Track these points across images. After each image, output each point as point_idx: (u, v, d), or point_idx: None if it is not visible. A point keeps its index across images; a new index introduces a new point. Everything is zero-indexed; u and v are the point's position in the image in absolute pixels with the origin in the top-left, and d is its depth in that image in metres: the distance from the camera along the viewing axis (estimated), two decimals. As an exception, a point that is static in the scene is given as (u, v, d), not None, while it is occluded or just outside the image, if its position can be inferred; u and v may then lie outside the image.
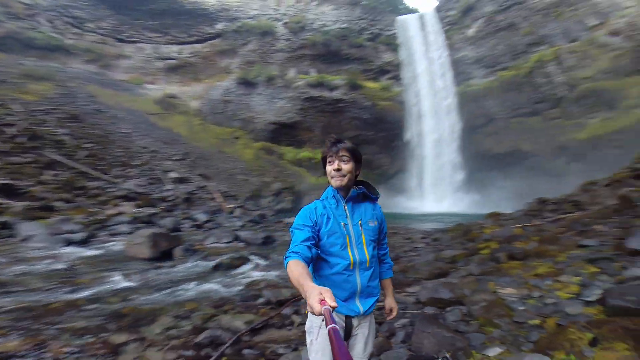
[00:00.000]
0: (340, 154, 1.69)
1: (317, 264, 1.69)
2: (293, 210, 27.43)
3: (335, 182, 1.70)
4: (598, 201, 10.23)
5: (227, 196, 21.08)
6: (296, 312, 4.42)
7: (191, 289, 5.86)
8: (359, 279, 1.66)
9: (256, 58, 35.22)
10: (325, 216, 1.68)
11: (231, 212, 17.76)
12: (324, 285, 1.61)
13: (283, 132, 33.46)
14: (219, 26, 36.17)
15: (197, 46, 36.36)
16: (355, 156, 1.73)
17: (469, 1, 32.13)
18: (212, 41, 36.47)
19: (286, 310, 4.44)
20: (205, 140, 29.06)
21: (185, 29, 36.09)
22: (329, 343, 1.55)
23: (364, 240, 1.68)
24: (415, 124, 31.21)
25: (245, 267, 7.59)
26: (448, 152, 29.57)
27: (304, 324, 4.25)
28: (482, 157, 28.66)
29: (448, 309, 3.95)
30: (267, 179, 28.24)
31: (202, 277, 6.74)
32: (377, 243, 1.80)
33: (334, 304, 1.02)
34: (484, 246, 7.60)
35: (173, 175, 19.86)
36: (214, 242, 10.42)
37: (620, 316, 2.94)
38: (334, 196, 1.75)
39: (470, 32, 31.78)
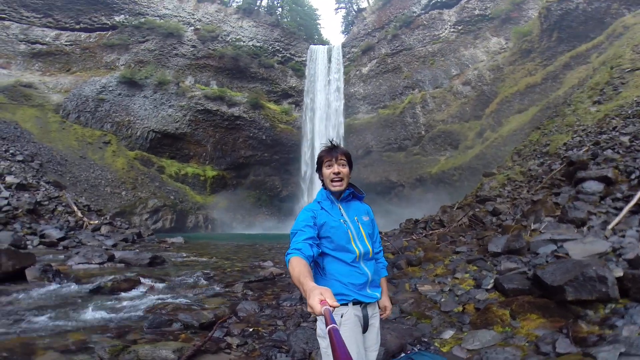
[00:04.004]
0: (339, 158, 1.78)
1: (325, 262, 1.73)
2: (174, 231, 24.57)
3: (336, 186, 1.78)
4: (455, 219, 12.72)
5: (88, 210, 17.33)
6: (228, 334, 3.94)
7: (68, 317, 4.49)
8: (367, 269, 1.75)
9: (150, 59, 31.66)
10: (327, 216, 1.75)
11: (97, 229, 14.64)
12: (336, 281, 1.67)
13: (166, 143, 30.17)
14: (118, 18, 31.98)
15: (82, 35, 31.26)
16: (350, 161, 1.85)
17: (371, 42, 36.59)
18: (103, 32, 31.64)
19: (216, 334, 3.91)
20: (62, 142, 23.58)
21: (75, 13, 30.52)
22: (348, 341, 1.56)
23: (363, 234, 1.79)
24: (309, 150, 32.91)
25: (136, 291, 6.30)
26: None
27: (243, 344, 3.83)
28: (360, 185, 32.17)
29: (383, 309, 4.20)
30: (143, 195, 24.62)
31: (77, 302, 5.27)
32: (374, 237, 1.93)
33: (335, 303, 1.04)
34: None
35: (10, 179, 15.20)
36: (82, 263, 8.35)
37: (516, 295, 3.72)
38: (328, 197, 1.84)
39: (365, 70, 36.07)
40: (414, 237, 11.52)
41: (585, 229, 5.95)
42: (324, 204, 1.82)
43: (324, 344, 1.65)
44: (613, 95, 10.93)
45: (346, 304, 1.66)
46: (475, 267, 5.85)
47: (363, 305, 1.72)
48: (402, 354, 2.63)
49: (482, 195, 13.03)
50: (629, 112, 9.28)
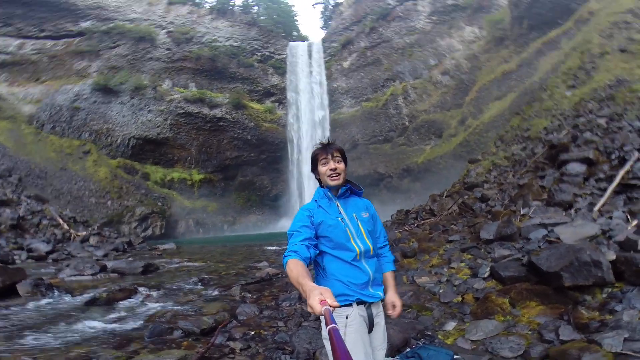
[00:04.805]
0: (334, 154, 1.78)
1: (325, 262, 1.72)
2: (165, 237, 24.17)
3: (333, 181, 1.77)
4: (445, 208, 12.92)
5: (74, 222, 16.87)
6: (230, 339, 3.92)
7: (67, 331, 4.40)
8: (368, 267, 1.72)
9: (124, 64, 30.63)
10: (324, 214, 1.74)
11: (85, 240, 14.29)
12: (338, 281, 1.66)
13: (148, 149, 29.50)
14: (85, 24, 30.69)
15: (48, 43, 29.94)
16: (345, 157, 1.85)
17: (350, 36, 36.45)
18: (70, 39, 30.34)
19: (218, 339, 3.88)
20: (40, 154, 22.75)
21: (38, 21, 29.14)
22: (355, 343, 1.57)
23: (362, 231, 1.76)
24: (295, 148, 32.75)
25: (133, 300, 6.20)
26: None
27: (246, 348, 3.81)
28: (349, 178, 32.30)
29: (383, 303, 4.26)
30: (129, 203, 24.09)
31: (75, 315, 5.16)
32: (373, 233, 1.91)
33: (335, 303, 1.04)
34: (378, 250, 8.50)
35: (-12, 197, 14.66)
36: (74, 275, 8.17)
37: (514, 283, 3.81)
38: (325, 195, 1.82)
39: (346, 64, 35.98)
40: (407, 228, 11.64)
41: (572, 211, 6.13)
42: (322, 202, 1.80)
43: (329, 345, 1.65)
44: (586, 80, 11.28)
45: (350, 305, 1.65)
46: (469, 256, 5.95)
47: (367, 304, 1.71)
48: (407, 349, 2.67)
49: (469, 182, 13.24)
50: (603, 95, 9.60)
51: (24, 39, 29.62)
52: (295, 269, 1.35)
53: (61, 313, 5.24)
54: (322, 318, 1.56)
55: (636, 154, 6.58)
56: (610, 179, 6.53)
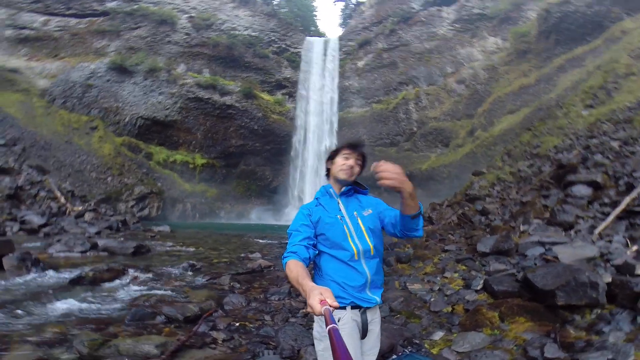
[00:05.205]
0: (358, 157, 1.79)
1: (322, 261, 1.68)
2: (160, 219, 24.18)
3: (344, 174, 1.75)
4: (444, 217, 12.80)
5: (72, 196, 16.88)
6: (214, 328, 3.84)
7: (46, 309, 4.33)
8: (366, 269, 1.65)
9: (142, 45, 30.76)
10: (322, 212, 1.71)
11: (80, 216, 14.28)
12: (333, 282, 1.60)
13: (154, 130, 29.51)
14: (111, 4, 30.89)
15: (73, 20, 30.18)
16: (365, 164, 1.85)
17: (368, 36, 36.15)
18: (94, 18, 30.58)
19: (201, 328, 3.81)
20: (48, 127, 22.79)
21: None
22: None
23: (363, 230, 1.70)
24: (301, 142, 32.70)
25: (119, 281, 6.14)
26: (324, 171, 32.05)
27: (229, 340, 3.75)
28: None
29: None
30: (129, 181, 24.10)
31: (57, 293, 5.09)
32: (378, 231, 1.83)
33: (335, 303, 1.02)
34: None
35: (-11, 163, 14.67)
36: (63, 251, 8.12)
37: (506, 298, 3.72)
38: (327, 192, 1.82)
39: (360, 64, 35.69)
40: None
41: (572, 232, 6.01)
42: (322, 199, 1.79)
43: (320, 346, 1.59)
44: (606, 100, 11.01)
45: (343, 308, 1.58)
46: (464, 267, 5.86)
47: (362, 309, 1.64)
48: (394, 355, 2.58)
49: (471, 194, 13.11)
50: (621, 117, 9.38)
51: (50, 16, 29.95)
52: (295, 269, 1.35)
53: (44, 290, 5.17)
54: (316, 319, 1.63)
55: (645, 180, 6.43)
56: (615, 204, 6.39)
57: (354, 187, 1.84)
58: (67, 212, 14.47)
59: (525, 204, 8.83)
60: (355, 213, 1.74)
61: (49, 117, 24.05)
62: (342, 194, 1.80)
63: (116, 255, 8.54)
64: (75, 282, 5.76)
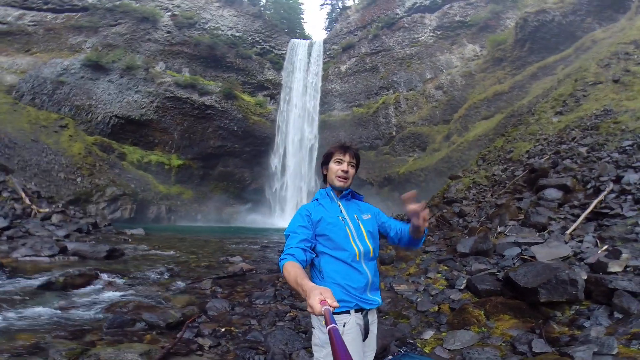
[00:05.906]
0: (350, 159, 1.80)
1: (323, 263, 1.68)
2: (133, 221, 23.25)
3: (340, 182, 1.77)
4: (423, 219, 13.08)
5: (38, 197, 15.92)
6: (199, 335, 3.72)
7: (14, 317, 4.04)
8: (367, 270, 1.68)
9: (120, 43, 29.75)
10: (323, 213, 1.72)
11: (47, 218, 13.48)
12: (336, 285, 1.61)
13: (129, 129, 28.44)
14: (92, 0, 29.68)
15: (50, 15, 28.97)
16: (358, 164, 1.87)
17: (352, 40, 36.55)
18: (72, 14, 29.35)
19: (186, 334, 3.68)
20: (12, 124, 21.43)
21: None
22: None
23: (363, 232, 1.73)
24: (281, 144, 32.50)
25: (92, 287, 5.84)
26: (307, 174, 31.99)
27: (216, 346, 3.62)
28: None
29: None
30: (100, 182, 23.04)
31: (26, 299, 4.77)
32: (376, 235, 1.87)
33: (335, 304, 1.03)
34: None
35: (-56, 161, 13.55)
36: (29, 255, 7.62)
37: (489, 296, 3.84)
38: (327, 194, 1.83)
39: (343, 67, 36.05)
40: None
41: (546, 233, 6.30)
42: (323, 201, 1.79)
43: (321, 353, 1.57)
44: (574, 107, 11.62)
45: (347, 312, 1.58)
46: (446, 267, 6.00)
47: (364, 312, 1.66)
48: (389, 356, 2.60)
49: (449, 197, 13.47)
50: (588, 124, 9.94)
51: (26, 10, 28.70)
52: (293, 270, 1.35)
53: (10, 297, 4.82)
54: (317, 326, 1.59)
55: (611, 185, 6.85)
56: (584, 206, 6.77)
57: (352, 192, 1.86)
58: (33, 214, 13.62)
59: (500, 206, 9.17)
60: (355, 216, 1.76)
61: (15, 114, 22.65)
62: (342, 197, 1.82)
63: (87, 260, 8.12)
64: (45, 287, 5.42)
